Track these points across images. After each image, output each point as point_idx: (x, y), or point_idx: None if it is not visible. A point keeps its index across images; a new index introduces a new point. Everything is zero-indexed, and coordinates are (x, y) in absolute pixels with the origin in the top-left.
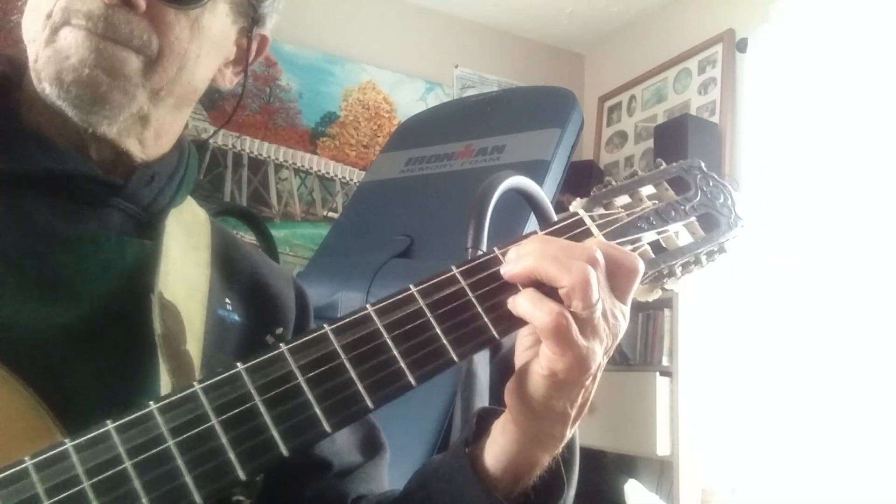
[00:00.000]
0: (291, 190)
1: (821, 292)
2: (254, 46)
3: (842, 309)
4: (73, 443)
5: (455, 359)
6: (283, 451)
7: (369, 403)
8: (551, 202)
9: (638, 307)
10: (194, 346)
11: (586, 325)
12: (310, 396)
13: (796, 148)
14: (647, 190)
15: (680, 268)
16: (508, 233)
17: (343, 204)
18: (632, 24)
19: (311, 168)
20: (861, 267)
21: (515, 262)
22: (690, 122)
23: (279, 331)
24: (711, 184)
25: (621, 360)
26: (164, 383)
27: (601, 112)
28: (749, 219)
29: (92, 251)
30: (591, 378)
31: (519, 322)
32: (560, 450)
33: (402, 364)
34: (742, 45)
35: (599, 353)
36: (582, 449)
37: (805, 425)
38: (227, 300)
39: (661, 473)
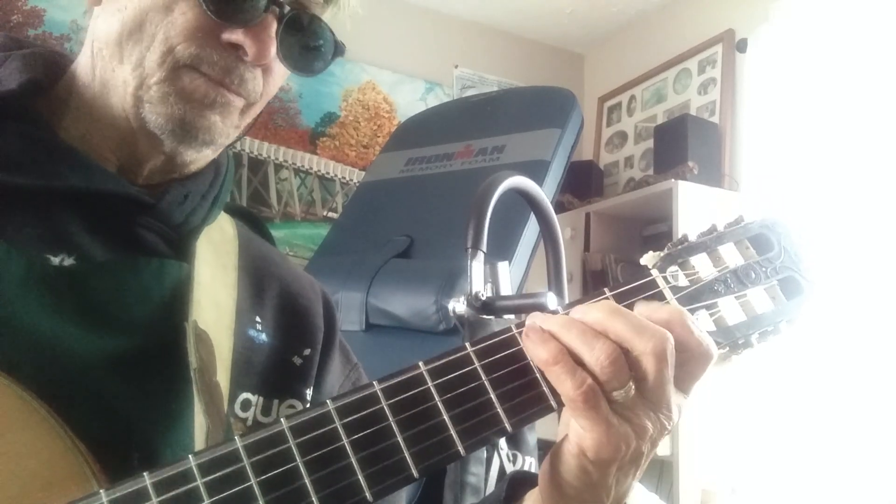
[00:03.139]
0: (291, 190)
1: (805, 314)
2: None
3: (842, 309)
4: (108, 497)
5: (509, 429)
6: None
7: (414, 473)
8: (551, 202)
9: None
10: (223, 375)
11: (621, 406)
12: (353, 461)
13: (796, 148)
14: (727, 248)
15: (757, 337)
16: (508, 233)
17: (343, 204)
18: (632, 24)
19: (311, 168)
20: (861, 267)
21: (537, 340)
22: (690, 122)
23: (306, 352)
24: (796, 242)
25: None
26: (199, 423)
27: (601, 112)
28: (826, 290)
29: (131, 275)
30: (629, 465)
31: None
32: None
33: (453, 432)
34: (742, 45)
35: (631, 436)
36: None
37: (805, 425)
38: (258, 318)
39: (661, 473)
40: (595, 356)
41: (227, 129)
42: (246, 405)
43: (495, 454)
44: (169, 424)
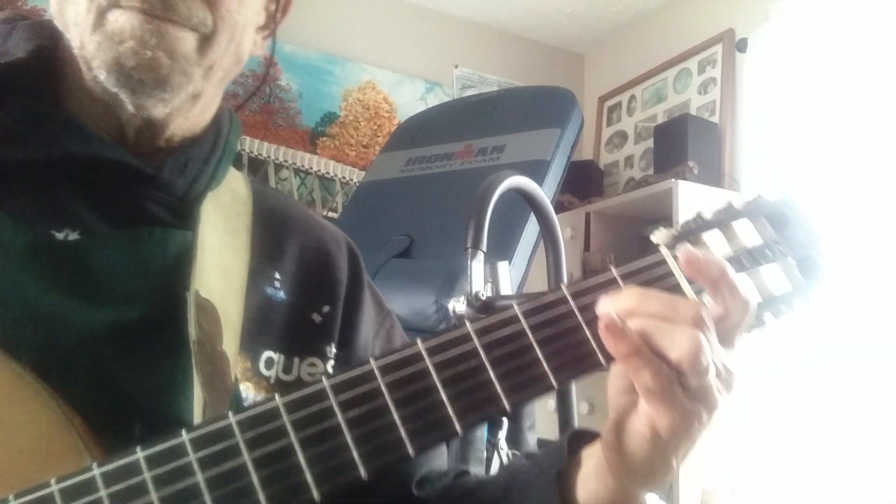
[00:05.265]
0: (291, 190)
1: (821, 292)
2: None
3: (843, 309)
4: (100, 470)
5: (507, 408)
6: (315, 495)
7: (410, 451)
8: (551, 202)
9: None
10: (231, 342)
11: (695, 389)
12: (348, 438)
13: (796, 148)
14: (742, 224)
15: (770, 315)
16: (508, 233)
17: (343, 204)
18: (632, 24)
19: (311, 168)
20: (862, 267)
21: (618, 332)
22: (690, 122)
23: (326, 309)
24: (814, 221)
25: None
26: (197, 396)
27: (601, 112)
28: (834, 271)
29: (134, 246)
30: (696, 435)
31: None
32: None
33: (450, 411)
34: (742, 45)
35: (705, 415)
36: None
37: (805, 425)
38: (278, 275)
39: None
40: (679, 348)
41: (180, 65)
42: (269, 363)
43: (495, 454)
44: (172, 395)
